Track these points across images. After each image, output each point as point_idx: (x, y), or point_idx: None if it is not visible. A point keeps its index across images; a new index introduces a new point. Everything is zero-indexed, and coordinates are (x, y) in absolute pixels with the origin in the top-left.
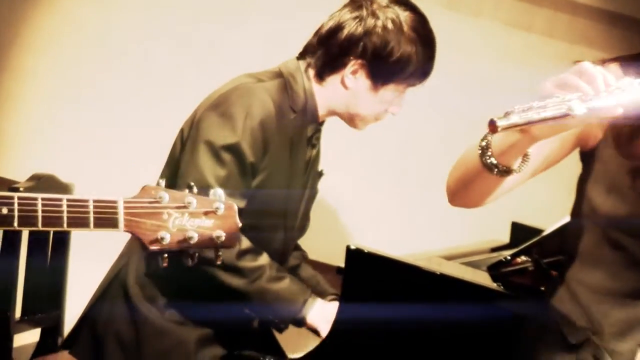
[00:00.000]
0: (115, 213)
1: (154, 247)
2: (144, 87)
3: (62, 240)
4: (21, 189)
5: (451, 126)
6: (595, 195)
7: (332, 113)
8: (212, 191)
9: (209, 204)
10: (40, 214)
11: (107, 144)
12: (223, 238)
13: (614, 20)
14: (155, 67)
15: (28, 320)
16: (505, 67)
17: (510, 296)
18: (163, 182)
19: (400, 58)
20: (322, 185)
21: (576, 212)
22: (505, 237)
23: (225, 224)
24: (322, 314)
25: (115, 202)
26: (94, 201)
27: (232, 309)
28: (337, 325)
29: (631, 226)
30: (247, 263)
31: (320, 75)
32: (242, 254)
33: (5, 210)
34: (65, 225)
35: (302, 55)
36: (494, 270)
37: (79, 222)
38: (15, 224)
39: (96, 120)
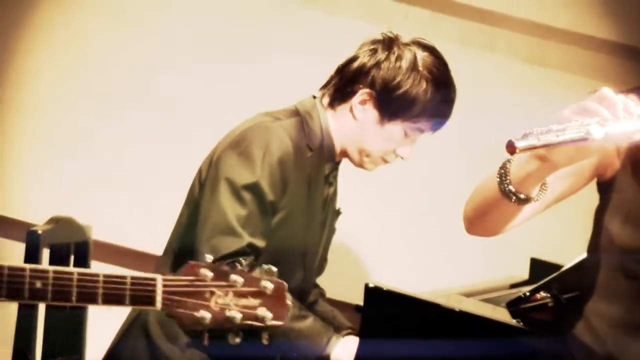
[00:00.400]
0: (153, 291)
1: (192, 327)
2: (161, 125)
3: None
4: (39, 231)
5: (469, 161)
6: (612, 225)
7: (344, 152)
8: (263, 268)
9: (257, 283)
10: (75, 289)
11: (124, 184)
12: (270, 318)
13: (628, 54)
14: (174, 105)
15: None
16: (520, 99)
17: (529, 332)
18: (210, 258)
19: (408, 92)
20: (339, 223)
21: (593, 244)
22: (524, 274)
23: (273, 303)
24: (345, 351)
25: (153, 279)
26: (131, 278)
27: (255, 347)
28: None
29: None
30: None
31: (332, 104)
32: None
33: (39, 284)
34: (100, 301)
35: (322, 88)
36: (514, 306)
37: (115, 298)
38: (49, 298)
39: (113, 159)
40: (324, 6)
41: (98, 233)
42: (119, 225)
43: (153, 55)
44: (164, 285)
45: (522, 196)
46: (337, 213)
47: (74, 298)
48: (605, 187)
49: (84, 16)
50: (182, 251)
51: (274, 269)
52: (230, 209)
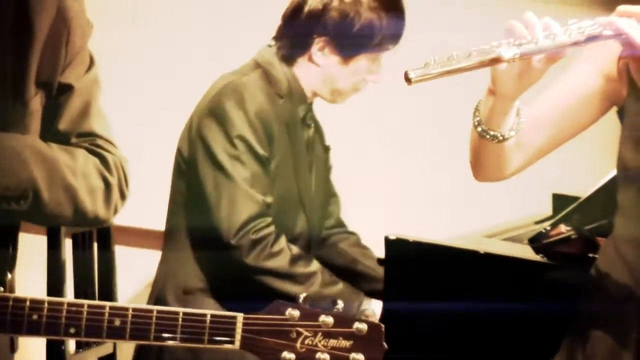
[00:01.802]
0: (233, 329)
1: None
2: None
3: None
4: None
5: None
6: (625, 150)
7: (314, 93)
8: (362, 308)
9: (349, 324)
10: (153, 327)
11: (140, 168)
12: None
13: None
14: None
15: (83, 353)
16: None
17: (553, 266)
18: (302, 297)
19: (362, 28)
20: (350, 177)
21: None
22: (548, 210)
23: (367, 346)
24: (376, 314)
25: (234, 317)
26: (211, 316)
27: None
28: (385, 318)
29: None
30: (301, 269)
31: (291, 57)
32: (295, 260)
33: (117, 322)
34: (178, 339)
35: (275, 39)
36: (536, 242)
37: (193, 337)
38: (127, 336)
39: (128, 144)
40: None
41: (118, 218)
42: (137, 207)
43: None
44: (245, 324)
45: (494, 133)
46: (326, 149)
47: (151, 336)
48: (621, 115)
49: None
50: (196, 231)
51: (370, 311)
52: (234, 172)
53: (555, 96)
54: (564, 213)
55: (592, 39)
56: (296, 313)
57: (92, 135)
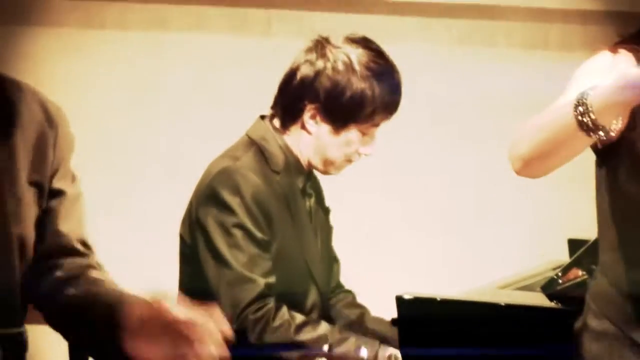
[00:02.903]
0: None
1: None
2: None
3: None
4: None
5: (489, 155)
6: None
7: (309, 163)
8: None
9: None
10: None
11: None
12: None
13: (623, 21)
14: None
15: None
16: (525, 86)
17: (568, 311)
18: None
19: (353, 97)
20: (358, 236)
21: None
22: (565, 257)
23: None
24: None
25: None
26: None
27: None
28: None
29: None
30: (309, 335)
31: (284, 125)
32: (300, 328)
33: None
34: None
35: (271, 108)
36: (549, 289)
37: None
38: None
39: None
40: None
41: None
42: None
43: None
44: None
45: (605, 127)
46: (327, 211)
47: None
48: (609, 153)
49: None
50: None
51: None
52: (232, 259)
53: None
54: (574, 257)
55: None
56: None
57: (88, 246)
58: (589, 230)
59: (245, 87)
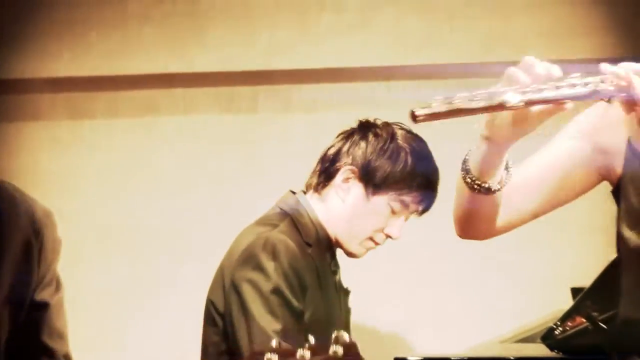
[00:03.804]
0: None
1: None
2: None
3: None
4: None
5: None
6: (624, 232)
7: (336, 241)
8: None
9: (326, 350)
10: None
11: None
12: None
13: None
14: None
15: None
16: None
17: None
18: (274, 342)
19: (389, 162)
20: (365, 297)
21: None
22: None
23: None
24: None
25: None
26: None
27: None
28: None
29: None
30: None
31: (317, 188)
32: None
33: None
34: None
35: (309, 179)
36: (549, 339)
37: None
38: None
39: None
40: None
41: None
42: None
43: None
44: None
45: (483, 184)
46: (347, 292)
47: None
48: (616, 196)
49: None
50: None
51: (342, 334)
52: (267, 325)
53: (545, 160)
54: (573, 304)
55: (595, 93)
56: (274, 357)
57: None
58: (592, 279)
59: (237, 163)
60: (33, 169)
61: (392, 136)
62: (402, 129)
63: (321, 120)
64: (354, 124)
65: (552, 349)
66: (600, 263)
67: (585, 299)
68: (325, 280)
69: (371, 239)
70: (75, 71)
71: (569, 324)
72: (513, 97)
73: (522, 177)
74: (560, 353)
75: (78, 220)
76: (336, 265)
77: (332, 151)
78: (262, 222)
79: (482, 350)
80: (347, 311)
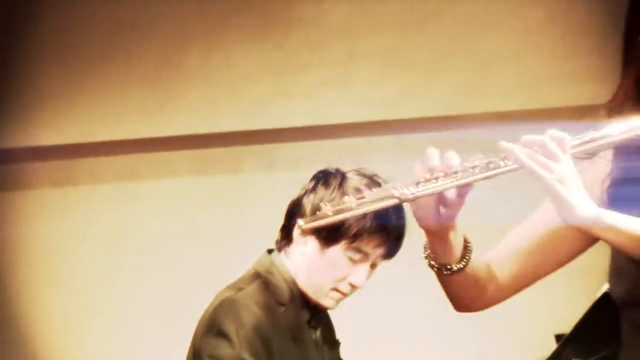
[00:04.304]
0: None
1: None
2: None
3: None
4: None
5: None
6: (610, 282)
7: (306, 295)
8: None
9: None
10: None
11: None
12: None
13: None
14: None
15: None
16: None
17: None
18: None
19: (347, 219)
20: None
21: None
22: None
23: None
24: None
25: None
26: None
27: None
28: None
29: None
30: None
31: (282, 247)
32: None
33: None
34: None
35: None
36: None
37: None
38: None
39: None
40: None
41: None
42: None
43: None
44: None
45: (442, 267)
46: (336, 344)
47: None
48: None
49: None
50: None
51: None
52: None
53: (529, 229)
54: (553, 352)
55: (496, 172)
56: None
57: None
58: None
59: (222, 225)
60: (17, 237)
61: (341, 183)
62: (357, 174)
63: (305, 178)
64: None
65: None
66: (580, 309)
67: (566, 345)
68: (301, 341)
69: (335, 289)
70: (58, 139)
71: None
72: (404, 192)
73: (507, 247)
74: None
75: (66, 285)
76: (318, 320)
77: (291, 205)
78: (232, 285)
79: None
80: None
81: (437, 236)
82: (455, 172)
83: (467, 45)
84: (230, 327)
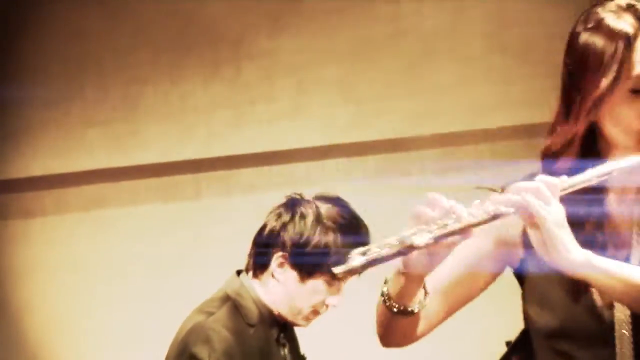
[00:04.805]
0: None
1: None
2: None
3: None
4: None
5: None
6: (529, 309)
7: (278, 314)
8: None
9: None
10: None
11: None
12: None
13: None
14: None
15: None
16: None
17: None
18: None
19: (317, 246)
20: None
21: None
22: None
23: None
24: None
25: None
26: None
27: None
28: None
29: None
30: None
31: (255, 273)
32: None
33: None
34: None
35: (246, 263)
36: None
37: None
38: None
39: None
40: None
41: None
42: None
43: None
44: None
45: (404, 309)
46: (302, 359)
47: None
48: (519, 277)
49: None
50: None
51: None
52: None
53: (449, 263)
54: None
55: (497, 216)
56: None
57: None
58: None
59: (184, 248)
60: None
61: (318, 216)
62: (327, 201)
63: (260, 200)
64: (284, 199)
65: None
66: None
67: (511, 353)
68: (271, 356)
69: (314, 312)
70: (25, 172)
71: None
72: (421, 239)
73: (432, 283)
74: None
75: (34, 314)
76: (286, 337)
77: (264, 233)
78: (202, 308)
79: None
80: None
81: (414, 281)
82: (460, 218)
83: (412, 75)
84: (202, 353)
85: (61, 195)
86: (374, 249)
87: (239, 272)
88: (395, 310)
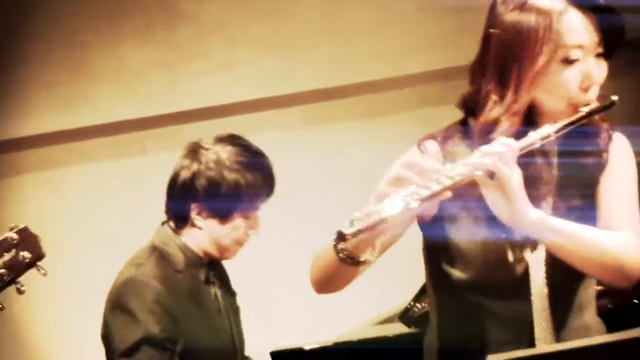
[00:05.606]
0: None
1: None
2: None
3: None
4: None
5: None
6: (444, 266)
7: (205, 253)
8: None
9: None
10: None
11: None
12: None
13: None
14: None
15: None
16: (369, 155)
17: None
18: None
19: (229, 189)
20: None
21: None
22: None
23: (26, 246)
24: None
25: None
26: None
27: None
28: None
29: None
30: None
31: (178, 227)
32: None
33: None
34: None
35: (165, 215)
36: (405, 318)
37: None
38: None
39: None
40: None
41: None
42: None
43: None
44: None
45: (359, 259)
46: (233, 294)
47: None
48: (425, 227)
49: None
50: None
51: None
52: None
53: None
54: (422, 284)
55: (470, 176)
56: None
57: None
58: None
59: (132, 202)
60: None
61: (220, 161)
62: (225, 142)
63: None
64: (185, 150)
65: (409, 326)
66: None
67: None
68: (201, 299)
69: (237, 243)
70: None
71: (424, 303)
72: (413, 203)
73: None
74: (417, 329)
75: None
76: (215, 276)
77: (177, 186)
78: (132, 261)
79: (349, 335)
80: (236, 310)
81: (376, 236)
82: (437, 181)
83: (330, 23)
84: (134, 305)
85: (14, 156)
86: (374, 212)
87: (164, 223)
88: (349, 261)
